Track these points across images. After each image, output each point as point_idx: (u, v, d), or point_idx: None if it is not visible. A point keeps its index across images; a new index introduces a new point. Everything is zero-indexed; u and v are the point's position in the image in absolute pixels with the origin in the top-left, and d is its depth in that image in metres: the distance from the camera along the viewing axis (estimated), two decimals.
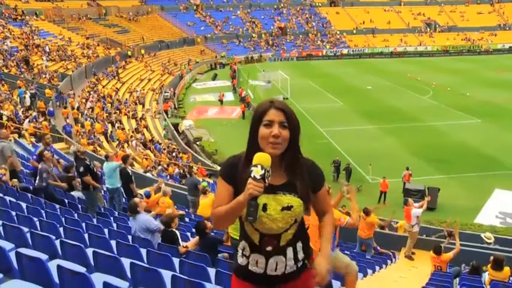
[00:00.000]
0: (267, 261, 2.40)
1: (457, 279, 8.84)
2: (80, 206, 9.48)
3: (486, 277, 8.41)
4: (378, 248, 11.89)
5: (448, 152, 24.26)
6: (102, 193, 11.10)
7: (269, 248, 2.38)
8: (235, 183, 2.34)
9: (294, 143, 2.35)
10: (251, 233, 2.41)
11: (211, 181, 17.38)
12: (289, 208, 2.33)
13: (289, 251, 2.42)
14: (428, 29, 73.65)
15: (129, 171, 10.55)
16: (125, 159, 11.11)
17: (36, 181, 9.09)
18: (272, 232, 2.36)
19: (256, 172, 2.16)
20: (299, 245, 2.46)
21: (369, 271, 8.91)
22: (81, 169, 9.03)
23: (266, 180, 2.18)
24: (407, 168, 20.31)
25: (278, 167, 2.30)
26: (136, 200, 7.51)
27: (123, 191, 11.24)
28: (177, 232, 6.93)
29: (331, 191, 6.13)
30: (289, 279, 2.45)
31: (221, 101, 35.91)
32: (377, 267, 9.69)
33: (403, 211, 12.58)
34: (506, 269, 8.19)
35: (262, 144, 2.29)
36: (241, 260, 2.48)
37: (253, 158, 2.21)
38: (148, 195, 11.60)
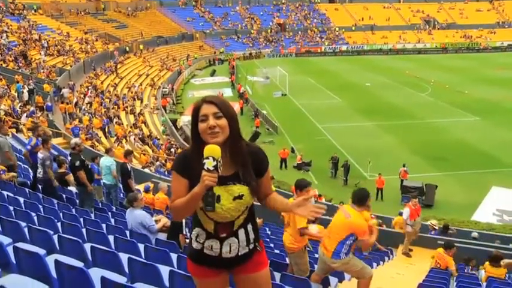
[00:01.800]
0: (222, 245, 2.57)
1: (454, 276, 8.86)
2: (77, 202, 9.46)
3: (483, 274, 8.45)
4: (376, 243, 11.90)
5: (446, 149, 24.30)
6: (103, 188, 11.08)
7: (224, 235, 2.55)
8: (189, 176, 2.45)
9: (233, 130, 2.46)
10: (206, 222, 2.55)
11: None
12: (240, 197, 2.48)
13: (241, 233, 2.59)
14: (427, 26, 73.66)
15: (129, 167, 10.53)
16: (127, 154, 11.11)
17: (40, 172, 9.05)
18: (226, 220, 2.52)
19: (209, 164, 2.28)
20: (249, 226, 2.63)
21: None
22: (77, 163, 8.97)
23: (219, 170, 2.29)
24: (404, 165, 20.35)
25: (224, 158, 2.40)
26: (139, 195, 7.52)
27: (121, 186, 11.24)
28: (183, 221, 6.96)
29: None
30: (242, 260, 2.63)
31: None
32: (374, 264, 9.71)
33: (402, 208, 12.59)
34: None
35: (205, 139, 2.42)
36: (195, 245, 2.62)
37: (204, 151, 2.31)
38: (147, 190, 11.61)
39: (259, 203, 2.73)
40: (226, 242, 2.55)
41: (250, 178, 2.50)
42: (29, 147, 9.30)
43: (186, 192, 2.41)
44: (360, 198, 5.19)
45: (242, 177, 2.48)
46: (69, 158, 8.93)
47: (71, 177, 9.48)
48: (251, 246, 2.63)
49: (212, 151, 2.29)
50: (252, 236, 2.63)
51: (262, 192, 2.65)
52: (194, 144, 2.49)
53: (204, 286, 2.72)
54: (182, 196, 2.42)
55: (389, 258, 11.41)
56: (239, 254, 2.59)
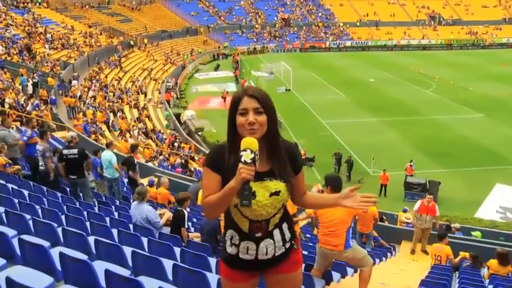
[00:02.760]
0: (258, 247, 2.47)
1: (457, 272, 8.87)
2: (80, 194, 9.48)
3: (485, 271, 8.43)
4: (379, 237, 11.91)
5: (450, 146, 24.23)
6: (106, 182, 11.13)
7: (259, 234, 2.45)
8: (222, 172, 2.37)
9: (272, 127, 2.39)
10: (240, 221, 2.46)
11: None
12: (277, 193, 2.40)
13: (276, 233, 2.50)
14: (433, 22, 73.24)
15: (134, 160, 10.58)
16: (133, 148, 11.15)
17: (42, 164, 9.09)
18: (261, 218, 2.43)
19: (246, 156, 2.19)
20: (284, 225, 2.54)
21: None
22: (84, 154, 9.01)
23: (256, 163, 2.21)
24: (411, 161, 20.30)
25: (260, 153, 2.32)
26: (148, 188, 7.56)
27: (123, 179, 11.28)
28: (186, 213, 6.97)
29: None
30: (278, 261, 2.53)
31: (224, 99, 34.58)
32: (377, 260, 9.72)
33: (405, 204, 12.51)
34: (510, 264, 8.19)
35: (241, 132, 2.33)
36: (230, 250, 2.52)
37: (241, 143, 2.24)
38: (152, 184, 11.65)
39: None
40: (262, 244, 2.46)
41: (288, 175, 2.42)
42: (25, 138, 9.28)
43: (219, 188, 2.33)
44: (336, 185, 5.29)
45: (278, 174, 2.40)
46: (75, 151, 8.90)
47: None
48: (287, 245, 2.55)
49: (250, 143, 2.22)
50: (288, 235, 2.55)
51: (299, 190, 2.56)
52: (229, 137, 2.40)
53: None
54: (214, 193, 2.34)
55: (392, 255, 11.43)
56: (276, 254, 2.50)
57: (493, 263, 8.18)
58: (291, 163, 2.46)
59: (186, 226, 6.92)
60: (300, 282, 2.73)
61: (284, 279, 2.62)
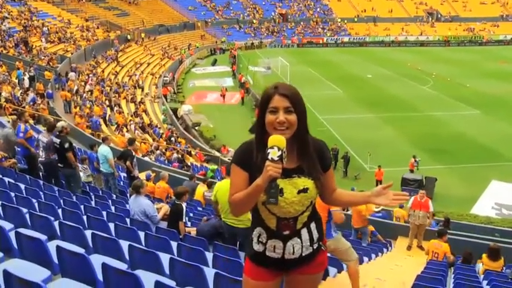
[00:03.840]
0: (285, 246, 2.44)
1: (452, 268, 8.92)
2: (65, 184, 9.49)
3: (480, 267, 8.50)
4: (377, 232, 11.95)
5: (447, 142, 24.31)
6: (103, 177, 11.13)
7: (287, 232, 2.42)
8: (249, 170, 2.35)
9: (302, 127, 2.36)
10: (268, 218, 2.43)
11: (213, 167, 17.30)
12: (305, 190, 2.37)
13: (304, 233, 2.47)
14: (430, 19, 73.22)
15: (132, 153, 10.60)
16: (130, 141, 11.15)
17: (42, 156, 9.14)
18: (289, 216, 2.40)
19: (273, 154, 2.17)
20: (312, 225, 2.51)
21: (365, 259, 8.98)
22: (67, 145, 8.97)
23: (283, 161, 2.19)
24: (414, 156, 20.35)
25: (290, 150, 2.30)
26: (145, 182, 7.56)
27: (121, 172, 11.27)
28: (184, 207, 6.99)
29: None
30: (305, 261, 2.50)
31: (223, 96, 34.29)
32: (373, 255, 9.77)
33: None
34: (501, 258, 8.29)
35: (270, 130, 2.31)
36: (257, 247, 2.50)
37: (269, 141, 2.22)
38: (148, 178, 11.66)
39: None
40: (289, 243, 2.44)
41: (316, 172, 2.40)
42: (21, 134, 9.28)
43: (246, 186, 2.31)
44: None
45: (307, 171, 2.37)
46: (58, 140, 8.96)
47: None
48: (315, 245, 2.51)
49: (277, 141, 2.20)
50: (316, 235, 2.52)
51: (328, 187, 2.53)
52: (258, 134, 2.37)
53: None
54: (242, 190, 2.31)
55: (388, 250, 11.47)
56: (303, 254, 2.47)
57: (484, 257, 8.31)
58: (319, 160, 2.43)
59: (184, 220, 6.93)
60: (318, 284, 2.71)
61: (305, 280, 2.60)
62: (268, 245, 2.46)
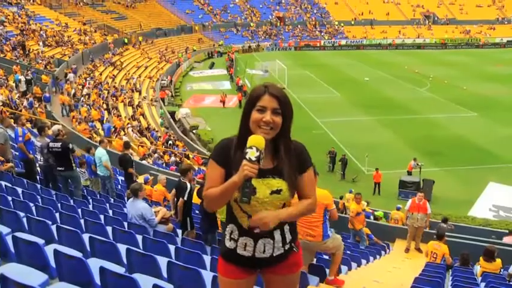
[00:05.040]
0: (256, 244, 2.45)
1: (450, 270, 8.93)
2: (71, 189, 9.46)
3: (478, 269, 8.51)
4: (372, 235, 11.96)
5: (444, 144, 24.34)
6: (100, 180, 11.12)
7: (257, 230, 2.41)
8: (227, 166, 2.36)
9: (286, 130, 2.37)
10: (240, 216, 2.45)
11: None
12: (278, 192, 2.37)
13: (277, 234, 2.46)
14: (427, 22, 73.47)
15: (130, 157, 10.58)
16: (126, 145, 11.16)
17: (40, 160, 9.10)
18: None
19: (252, 154, 2.19)
20: (286, 227, 2.51)
21: (363, 261, 8.99)
22: (70, 145, 8.96)
23: (260, 162, 2.20)
24: (414, 159, 20.37)
25: (267, 151, 2.31)
26: (143, 185, 7.57)
27: (119, 177, 11.25)
28: (188, 185, 7.04)
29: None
30: (276, 261, 2.50)
31: (223, 102, 33.73)
32: (371, 258, 9.78)
33: (399, 202, 12.57)
34: (498, 260, 8.30)
35: (253, 128, 2.32)
36: (229, 244, 2.51)
37: (248, 140, 2.23)
38: (146, 181, 11.65)
39: None
40: (260, 241, 2.44)
41: (292, 174, 2.39)
42: (20, 138, 9.24)
43: (221, 181, 2.32)
44: None
45: (282, 173, 2.37)
46: (58, 144, 8.93)
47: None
48: (287, 247, 2.51)
49: (256, 141, 2.21)
50: (289, 237, 2.51)
51: (300, 191, 2.49)
52: (241, 131, 2.38)
53: (230, 287, 2.56)
54: (216, 185, 2.32)
55: (386, 252, 11.48)
56: (273, 254, 2.47)
57: (481, 259, 8.33)
58: (298, 162, 2.44)
59: (185, 198, 6.96)
60: (296, 285, 2.70)
61: (280, 280, 2.60)
62: (240, 242, 2.47)
